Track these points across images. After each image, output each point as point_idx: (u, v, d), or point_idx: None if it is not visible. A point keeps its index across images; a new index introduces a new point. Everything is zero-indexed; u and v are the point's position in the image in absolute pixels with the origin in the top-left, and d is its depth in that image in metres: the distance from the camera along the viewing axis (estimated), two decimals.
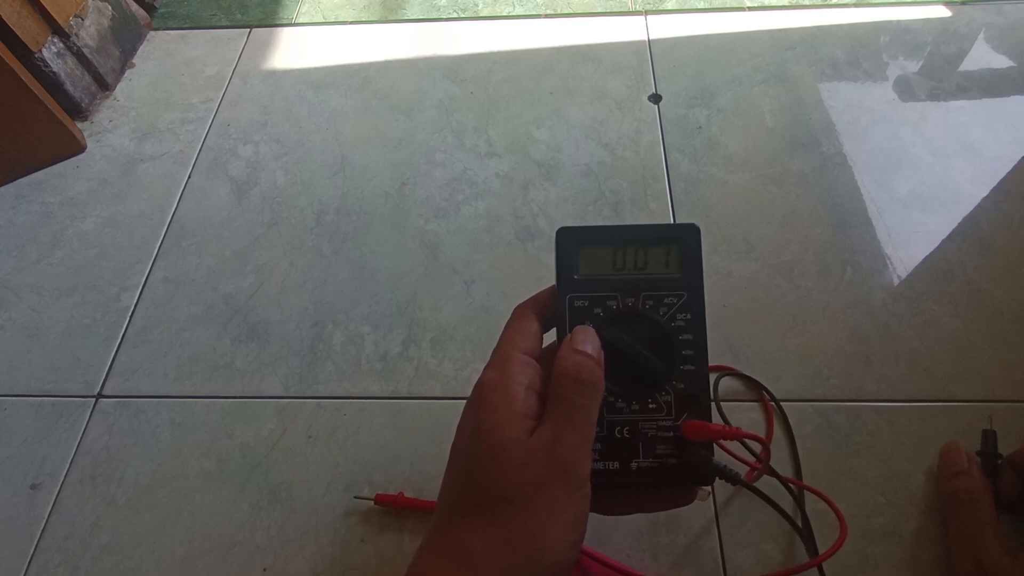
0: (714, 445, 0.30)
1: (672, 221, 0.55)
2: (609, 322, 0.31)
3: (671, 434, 0.30)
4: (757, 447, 0.40)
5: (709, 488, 0.42)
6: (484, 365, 0.30)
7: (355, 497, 0.42)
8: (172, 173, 0.62)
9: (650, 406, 0.30)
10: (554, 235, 0.32)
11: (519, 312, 0.32)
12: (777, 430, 0.44)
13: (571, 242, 0.32)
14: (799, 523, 0.39)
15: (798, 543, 0.39)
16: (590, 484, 0.27)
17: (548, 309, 0.32)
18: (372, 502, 0.41)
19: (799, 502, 0.40)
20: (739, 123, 0.62)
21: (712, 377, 0.46)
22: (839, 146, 0.60)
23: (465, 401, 0.30)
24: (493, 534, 0.26)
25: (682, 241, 0.32)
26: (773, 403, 0.44)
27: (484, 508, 0.26)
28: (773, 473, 0.37)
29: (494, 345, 0.37)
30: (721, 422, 0.42)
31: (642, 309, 0.31)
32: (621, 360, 0.30)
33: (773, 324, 0.49)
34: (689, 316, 0.31)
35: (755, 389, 0.45)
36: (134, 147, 0.64)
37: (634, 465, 0.30)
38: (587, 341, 0.29)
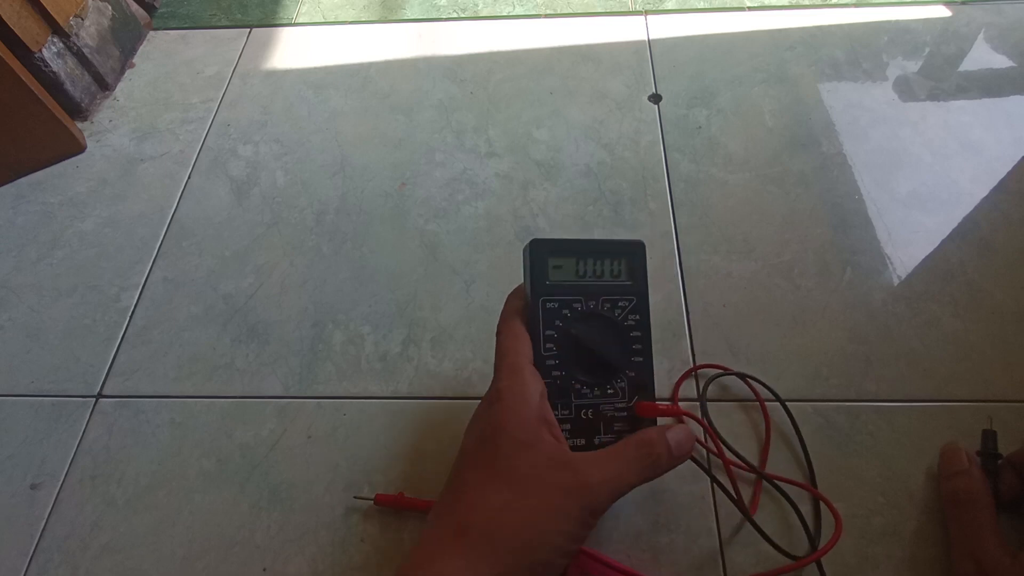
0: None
1: (672, 221, 0.55)
2: (576, 321, 0.36)
3: (625, 414, 0.36)
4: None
5: None
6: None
7: (355, 497, 0.42)
8: (172, 173, 0.62)
9: (608, 391, 0.36)
10: (543, 240, 0.36)
11: (513, 324, 0.35)
12: (785, 431, 0.43)
13: (543, 252, 0.36)
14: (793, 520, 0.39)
15: (798, 543, 0.39)
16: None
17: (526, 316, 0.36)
18: (372, 502, 0.41)
19: (791, 500, 0.40)
20: (739, 123, 0.62)
21: (719, 377, 0.46)
22: (839, 146, 0.60)
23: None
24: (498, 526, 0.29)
25: (631, 255, 0.37)
26: (780, 403, 0.44)
27: (500, 482, 0.30)
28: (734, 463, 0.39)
29: (494, 345, 0.37)
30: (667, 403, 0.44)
31: (601, 311, 0.36)
32: (587, 353, 0.36)
33: (773, 324, 0.49)
34: (638, 317, 0.37)
35: (760, 389, 0.45)
36: (134, 147, 0.64)
37: (597, 440, 0.35)
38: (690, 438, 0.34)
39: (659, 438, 0.32)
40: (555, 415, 0.34)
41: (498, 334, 0.35)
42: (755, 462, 0.42)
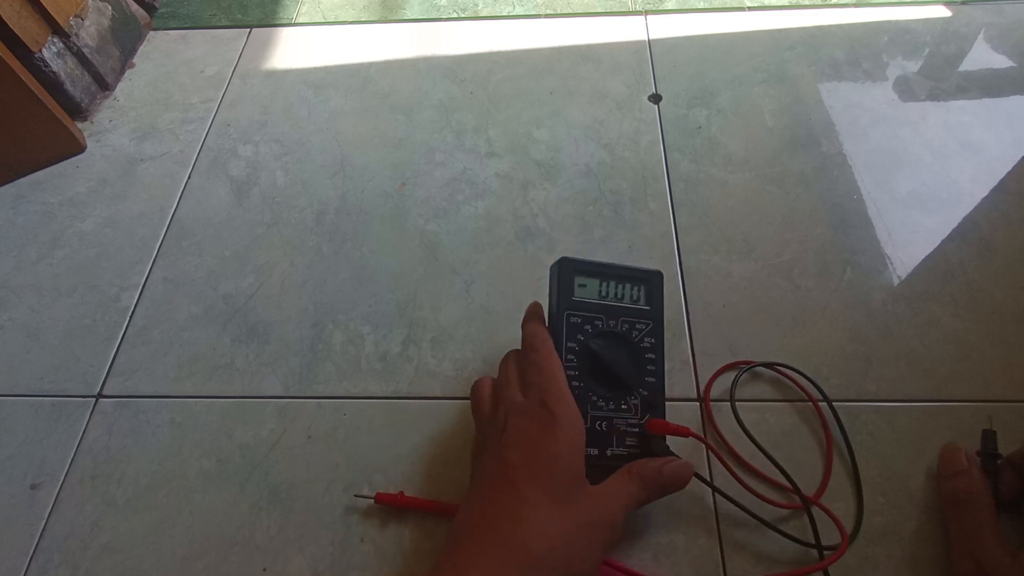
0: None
1: (672, 221, 0.55)
2: (596, 337, 0.39)
3: (637, 430, 0.38)
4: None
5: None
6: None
7: (356, 495, 0.41)
8: (172, 173, 0.62)
9: (622, 407, 0.38)
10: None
11: (549, 344, 0.37)
12: (812, 431, 0.43)
13: (569, 270, 0.39)
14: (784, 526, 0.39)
15: (798, 544, 0.39)
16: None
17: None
18: (372, 500, 0.41)
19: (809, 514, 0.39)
20: (739, 123, 0.62)
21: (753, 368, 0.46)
22: (839, 146, 0.60)
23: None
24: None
25: (650, 282, 0.41)
26: (827, 405, 0.44)
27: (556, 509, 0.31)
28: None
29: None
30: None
31: (620, 331, 0.39)
32: (604, 368, 0.38)
33: (773, 324, 0.49)
34: (653, 340, 0.40)
35: (801, 387, 0.45)
36: (134, 147, 0.64)
37: (609, 452, 0.37)
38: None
39: (654, 474, 0.35)
40: None
41: (533, 350, 0.36)
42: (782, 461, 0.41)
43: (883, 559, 0.38)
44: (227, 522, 0.42)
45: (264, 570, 0.40)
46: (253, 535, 0.41)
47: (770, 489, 0.41)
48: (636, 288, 0.40)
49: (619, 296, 0.40)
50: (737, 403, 0.44)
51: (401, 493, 0.41)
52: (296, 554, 0.40)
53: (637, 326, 0.40)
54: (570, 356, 0.38)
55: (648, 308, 0.40)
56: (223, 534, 0.41)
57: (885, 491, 0.41)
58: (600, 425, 0.37)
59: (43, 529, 0.42)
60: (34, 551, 0.41)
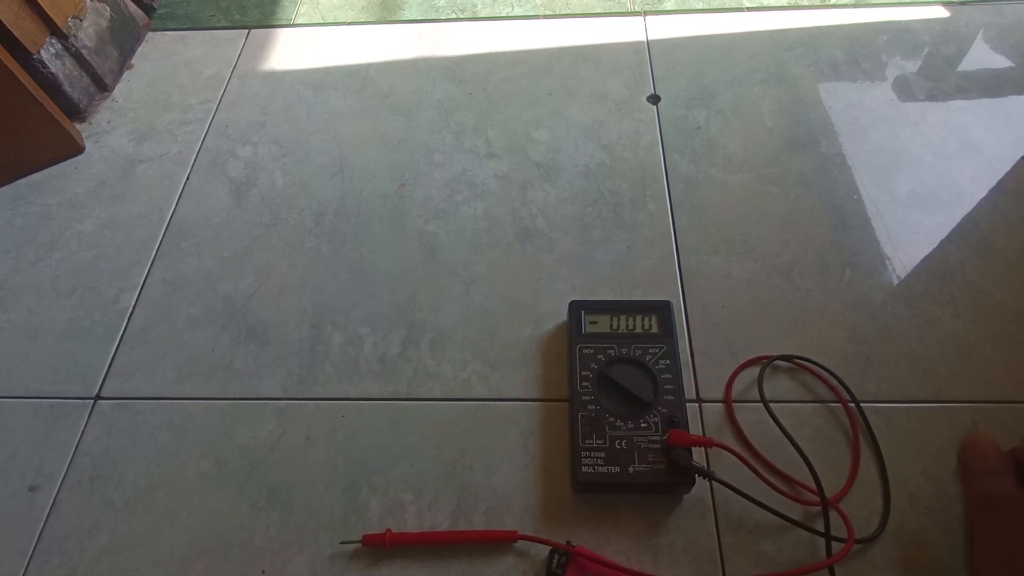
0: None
1: (671, 222, 0.55)
2: (610, 364, 0.43)
3: (659, 446, 0.40)
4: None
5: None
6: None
7: (342, 543, 0.40)
8: (171, 174, 0.62)
9: (642, 425, 0.40)
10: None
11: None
12: (829, 431, 0.43)
13: (578, 309, 0.46)
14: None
15: (797, 544, 0.39)
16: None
17: None
18: (360, 544, 0.40)
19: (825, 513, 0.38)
20: (738, 123, 0.62)
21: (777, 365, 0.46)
22: (839, 146, 0.60)
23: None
24: None
25: (660, 311, 0.45)
26: (856, 405, 0.44)
27: None
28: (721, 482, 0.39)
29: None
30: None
31: (634, 356, 0.43)
32: (619, 390, 0.41)
33: (773, 324, 0.49)
34: (668, 362, 0.43)
35: (827, 385, 0.45)
36: (133, 148, 0.64)
37: (632, 469, 0.39)
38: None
39: None
40: (590, 443, 0.40)
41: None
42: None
43: (883, 559, 0.38)
44: (226, 523, 0.42)
45: (263, 572, 0.40)
46: (252, 536, 0.41)
47: (778, 486, 0.41)
48: (647, 318, 0.45)
49: (631, 327, 0.44)
50: (749, 404, 0.44)
51: (388, 531, 0.40)
52: (295, 555, 0.40)
53: (651, 351, 0.43)
54: (584, 384, 0.42)
55: (660, 334, 0.44)
56: (222, 535, 0.41)
57: (885, 491, 0.41)
58: (619, 444, 0.40)
59: (42, 530, 0.42)
60: (32, 552, 0.41)
